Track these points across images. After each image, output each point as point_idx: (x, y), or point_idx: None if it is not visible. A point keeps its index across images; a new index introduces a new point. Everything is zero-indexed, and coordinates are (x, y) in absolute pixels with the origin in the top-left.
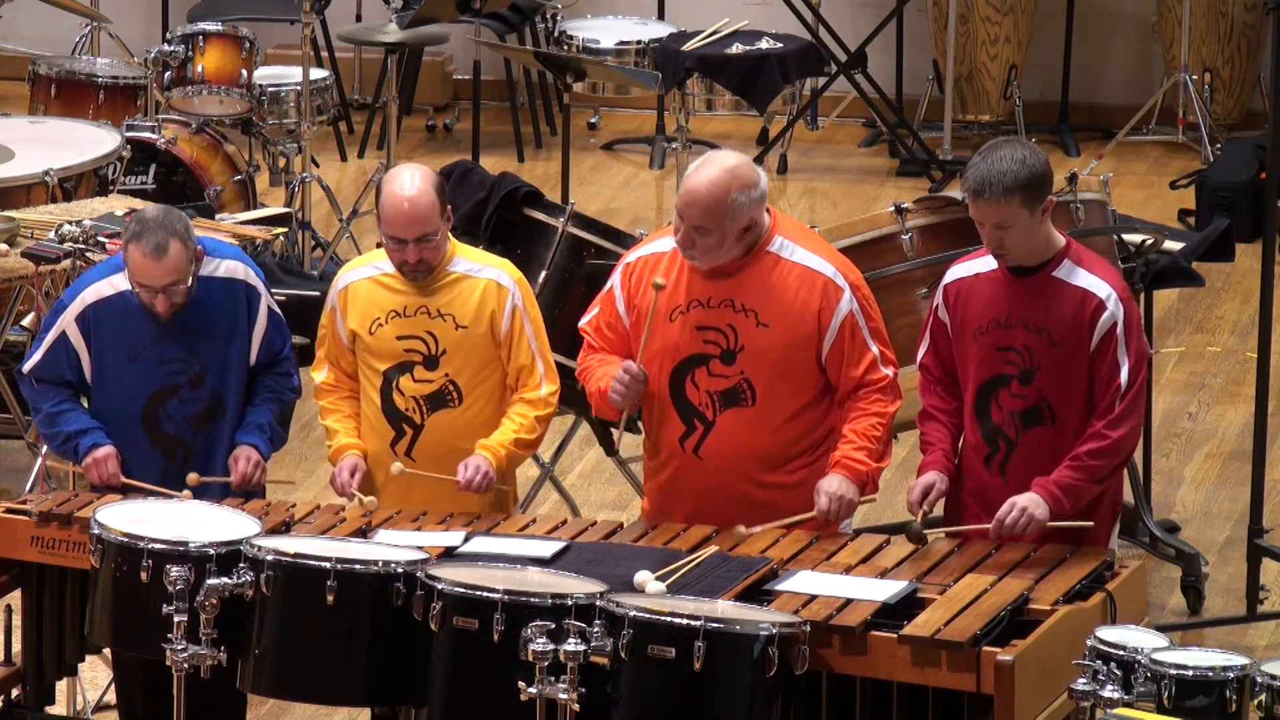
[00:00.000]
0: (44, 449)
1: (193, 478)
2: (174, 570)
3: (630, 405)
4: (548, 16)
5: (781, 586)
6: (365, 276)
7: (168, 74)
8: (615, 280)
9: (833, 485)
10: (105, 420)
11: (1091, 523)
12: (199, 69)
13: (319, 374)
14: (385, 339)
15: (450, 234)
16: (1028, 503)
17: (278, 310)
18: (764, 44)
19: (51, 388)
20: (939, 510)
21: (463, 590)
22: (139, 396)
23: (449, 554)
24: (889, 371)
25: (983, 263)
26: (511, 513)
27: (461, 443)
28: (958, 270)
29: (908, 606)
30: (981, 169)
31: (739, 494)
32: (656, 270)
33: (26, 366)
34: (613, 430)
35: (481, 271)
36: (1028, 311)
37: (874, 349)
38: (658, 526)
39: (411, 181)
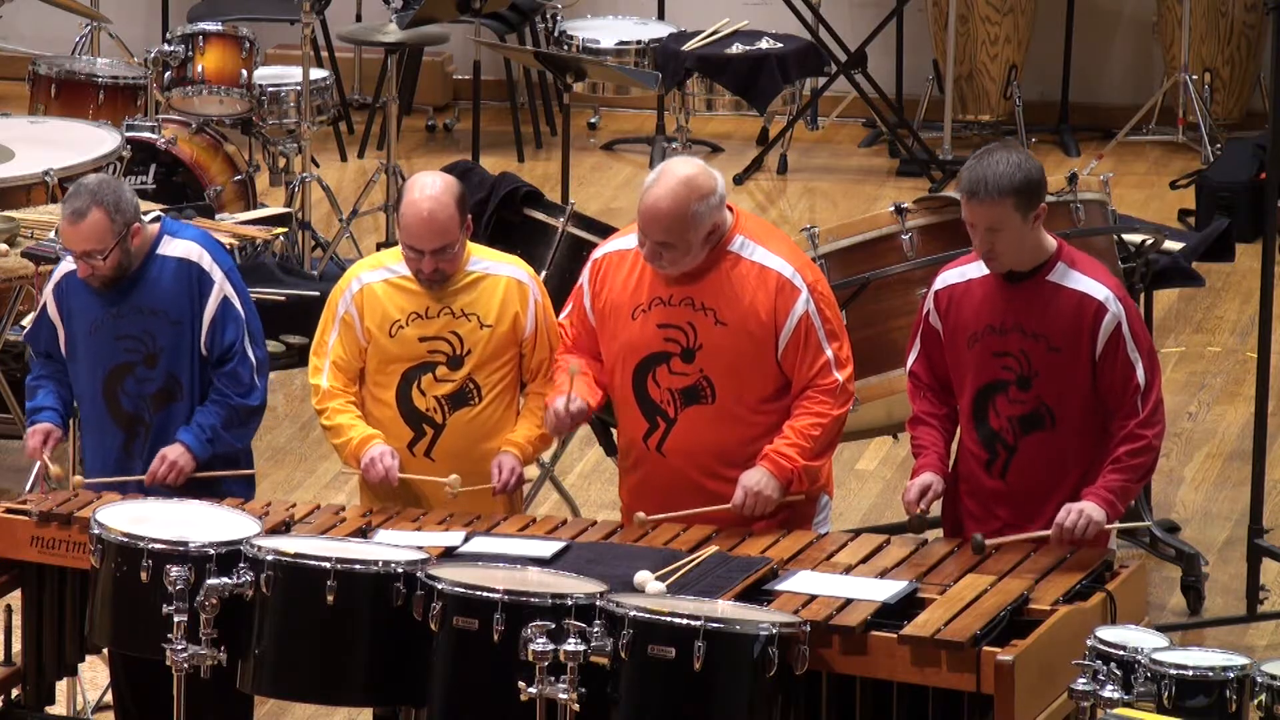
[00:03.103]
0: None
1: (76, 480)
2: (174, 570)
3: (560, 432)
4: (548, 16)
5: (781, 586)
6: (381, 279)
7: (168, 74)
8: (584, 277)
9: (751, 479)
10: (78, 392)
11: (1148, 523)
12: (199, 69)
13: (320, 379)
14: (407, 341)
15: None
16: (1085, 506)
17: (237, 305)
18: (764, 44)
19: (37, 359)
20: (932, 512)
21: (463, 590)
22: (100, 371)
23: (449, 554)
24: (840, 375)
25: (974, 268)
26: (518, 508)
27: (480, 441)
28: (949, 276)
29: (908, 606)
30: (977, 170)
31: (704, 490)
32: (621, 264)
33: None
34: (613, 430)
35: (499, 269)
36: (1023, 317)
37: (828, 352)
38: (658, 526)
39: (433, 192)
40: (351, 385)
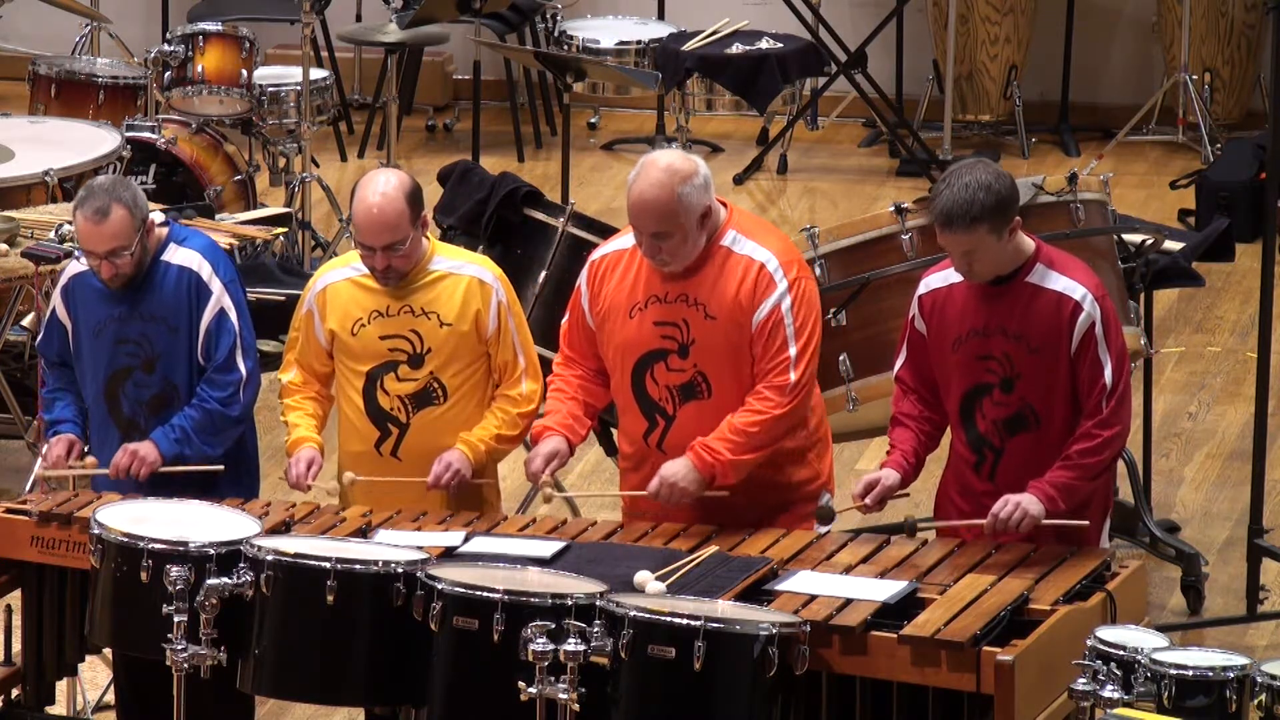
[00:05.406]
0: (44, 449)
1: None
2: (174, 570)
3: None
4: (548, 16)
5: (781, 586)
6: (344, 278)
7: (168, 74)
8: (582, 279)
9: (670, 469)
10: (84, 392)
11: (1086, 522)
12: (199, 69)
13: (286, 375)
14: (368, 339)
15: (431, 234)
16: (1022, 499)
17: (232, 318)
18: (764, 44)
19: (52, 369)
20: (922, 511)
21: (463, 590)
22: (101, 374)
23: (449, 554)
24: (793, 375)
25: (956, 271)
26: (496, 507)
27: (446, 440)
28: (932, 280)
29: (908, 606)
30: (947, 198)
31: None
32: (618, 265)
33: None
34: (613, 430)
35: (463, 269)
36: (1005, 319)
37: (792, 350)
38: (658, 526)
39: (383, 189)
40: (312, 382)
